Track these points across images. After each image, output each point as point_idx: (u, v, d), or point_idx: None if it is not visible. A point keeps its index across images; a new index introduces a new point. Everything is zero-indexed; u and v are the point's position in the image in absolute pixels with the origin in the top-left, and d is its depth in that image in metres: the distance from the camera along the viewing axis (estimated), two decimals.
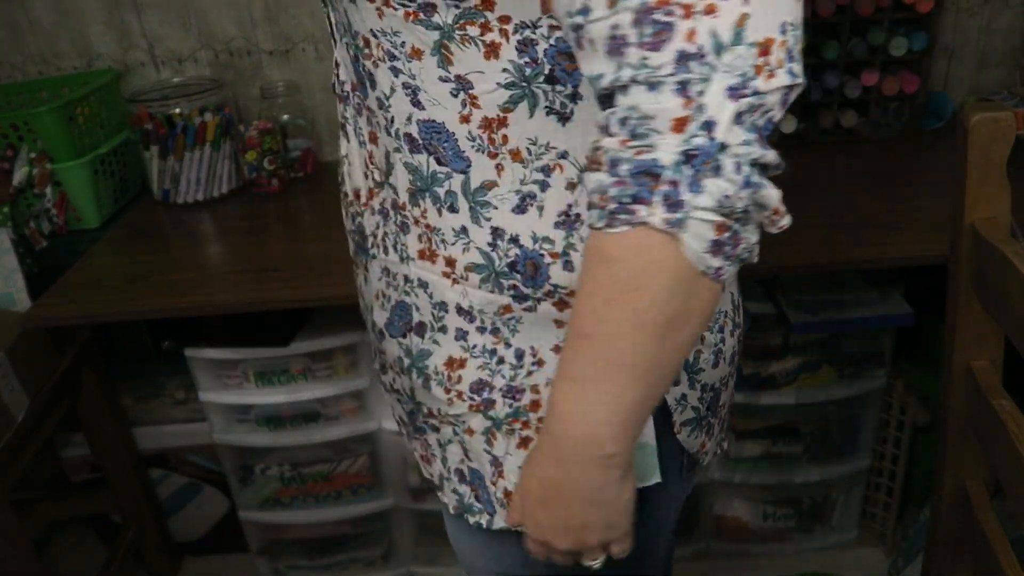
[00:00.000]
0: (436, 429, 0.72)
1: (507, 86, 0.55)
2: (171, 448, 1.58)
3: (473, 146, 0.58)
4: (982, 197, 0.74)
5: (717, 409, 0.74)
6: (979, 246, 0.74)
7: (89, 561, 1.63)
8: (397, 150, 0.62)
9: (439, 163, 0.60)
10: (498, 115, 0.56)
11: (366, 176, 0.67)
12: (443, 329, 0.66)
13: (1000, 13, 1.51)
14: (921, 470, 1.50)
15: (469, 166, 0.59)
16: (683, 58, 0.43)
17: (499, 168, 0.58)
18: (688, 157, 0.44)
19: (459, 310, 0.64)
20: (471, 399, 0.67)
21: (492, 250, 0.61)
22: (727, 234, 0.46)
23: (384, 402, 1.37)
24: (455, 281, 0.63)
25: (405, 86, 0.58)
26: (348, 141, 0.69)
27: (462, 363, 0.66)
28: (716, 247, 0.46)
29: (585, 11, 0.46)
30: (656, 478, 0.69)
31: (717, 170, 0.44)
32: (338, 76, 0.67)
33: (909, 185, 1.34)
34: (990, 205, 0.75)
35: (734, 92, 0.43)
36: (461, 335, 0.65)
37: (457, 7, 0.53)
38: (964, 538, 0.86)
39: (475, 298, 0.63)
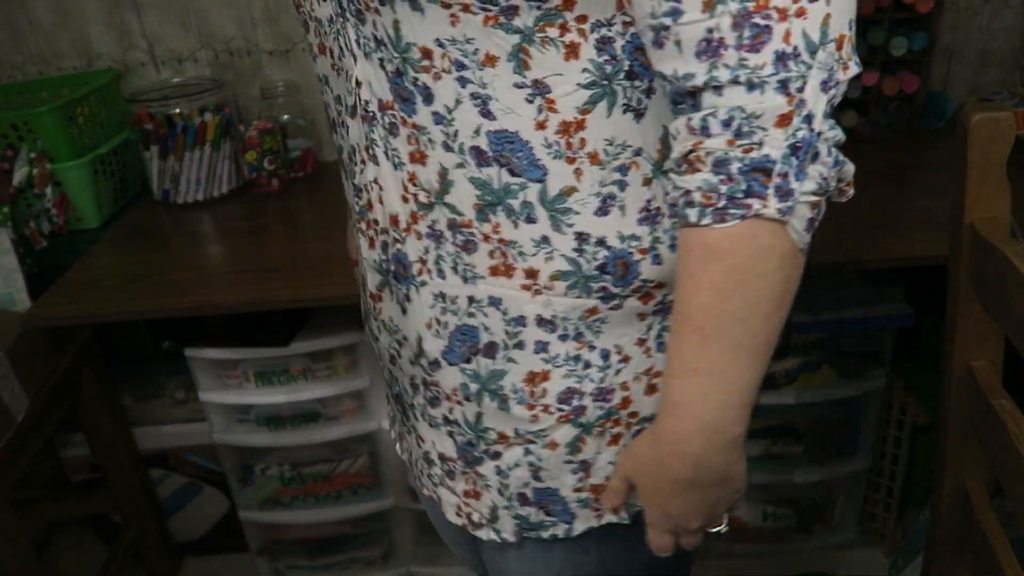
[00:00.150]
0: (497, 456, 0.69)
1: (587, 86, 0.55)
2: (171, 448, 1.58)
3: (550, 153, 0.57)
4: (982, 197, 0.74)
5: None
6: (979, 246, 0.74)
7: (89, 561, 1.63)
8: (460, 165, 0.58)
9: (512, 174, 0.58)
10: (576, 118, 0.56)
11: (405, 200, 0.62)
12: (520, 345, 0.63)
13: (1000, 13, 1.51)
14: (921, 470, 1.50)
15: (546, 174, 0.58)
16: (781, 58, 0.47)
17: (578, 173, 0.58)
18: (794, 149, 0.49)
19: (539, 321, 0.62)
20: (560, 410, 0.65)
21: (579, 255, 0.60)
22: (817, 210, 0.52)
23: (384, 401, 1.37)
24: (537, 292, 0.61)
25: (474, 96, 0.56)
26: (377, 165, 0.63)
27: (545, 376, 0.64)
28: (810, 224, 0.52)
29: (675, 13, 0.48)
30: None
31: (815, 156, 0.50)
32: (359, 96, 0.61)
33: (909, 185, 1.34)
34: (990, 205, 0.75)
35: (825, 85, 0.49)
36: (541, 347, 0.63)
37: (539, 8, 0.52)
38: (964, 538, 0.86)
39: (559, 306, 0.62)
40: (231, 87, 1.60)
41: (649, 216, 0.60)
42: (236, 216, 1.49)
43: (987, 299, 0.76)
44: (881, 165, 1.42)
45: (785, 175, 0.49)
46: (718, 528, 0.67)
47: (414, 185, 0.61)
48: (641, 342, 0.64)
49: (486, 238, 0.60)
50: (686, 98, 0.51)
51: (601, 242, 0.60)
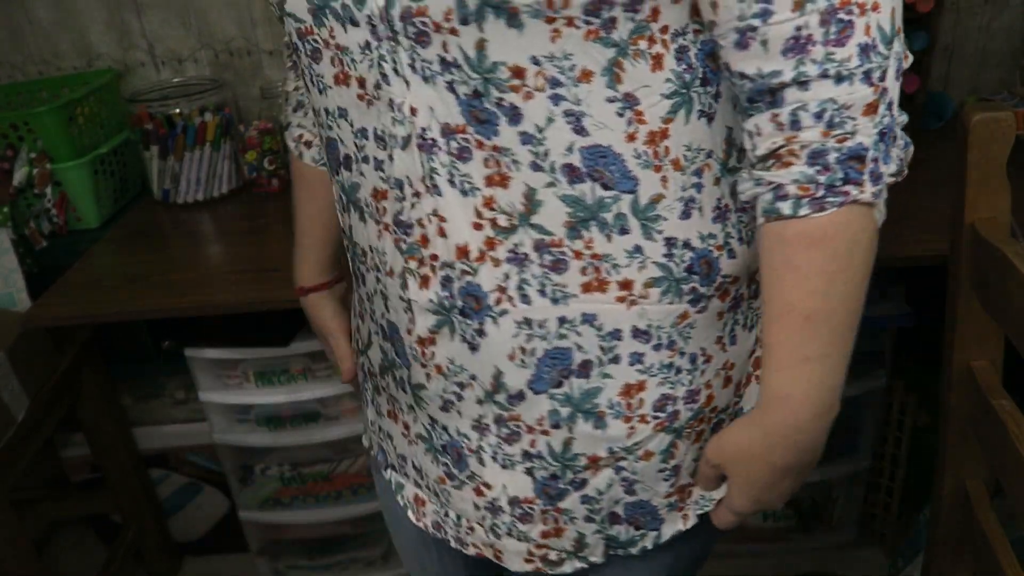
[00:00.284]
0: (583, 485, 0.68)
1: (669, 96, 0.57)
2: (171, 448, 1.58)
3: (640, 163, 0.58)
4: (982, 197, 0.74)
5: None
6: (979, 246, 0.74)
7: (89, 561, 1.63)
8: (551, 184, 0.57)
9: (605, 188, 0.58)
10: (660, 127, 0.57)
11: (478, 227, 0.59)
12: (615, 359, 0.63)
13: (1000, 13, 1.51)
14: (921, 470, 1.50)
15: (637, 184, 0.58)
16: (864, 50, 0.51)
17: (664, 180, 0.59)
18: (881, 136, 0.53)
19: (635, 332, 0.62)
20: (655, 418, 0.66)
21: (668, 260, 0.61)
22: (887, 188, 0.56)
23: None
24: (632, 303, 0.61)
25: (567, 113, 0.55)
26: (439, 195, 0.59)
27: (641, 386, 0.64)
28: (884, 202, 0.56)
29: (765, 14, 0.51)
30: None
31: (895, 139, 0.54)
32: (414, 124, 0.58)
33: (909, 185, 1.33)
34: (990, 205, 0.75)
35: (897, 73, 0.53)
36: (636, 358, 0.63)
37: (632, 20, 0.53)
38: (964, 538, 0.86)
39: (653, 314, 0.62)
40: (231, 87, 1.60)
41: (720, 214, 0.62)
42: (236, 216, 1.49)
43: (987, 299, 0.76)
44: None
45: (876, 160, 0.53)
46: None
47: (491, 210, 0.59)
48: (719, 340, 0.66)
49: (578, 255, 0.59)
50: (764, 96, 0.54)
51: (686, 244, 0.61)
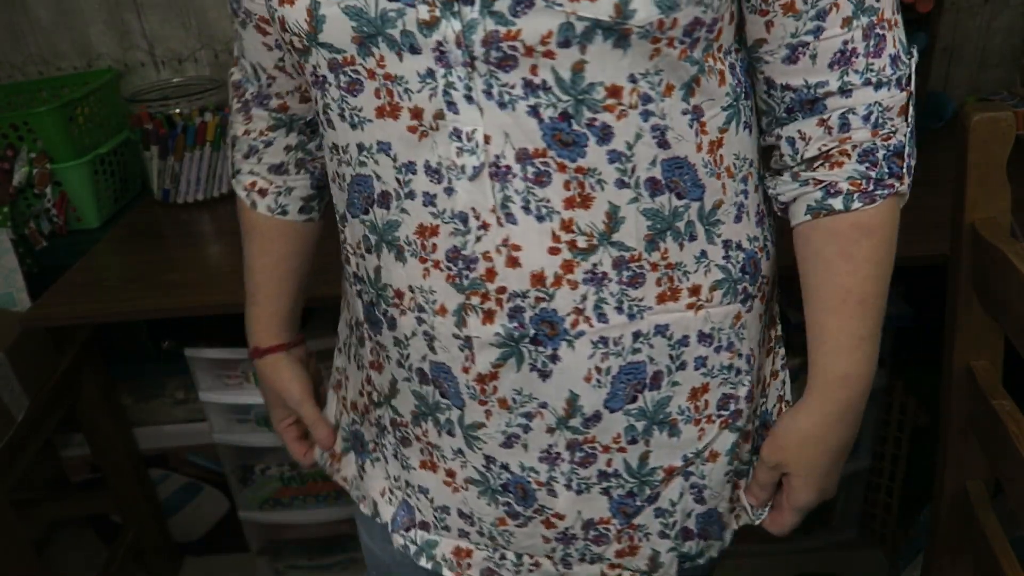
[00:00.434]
0: (656, 498, 0.69)
1: (725, 108, 0.60)
2: (171, 448, 1.58)
3: (706, 172, 0.60)
4: (982, 197, 0.74)
5: None
6: (979, 246, 0.74)
7: (89, 561, 1.63)
8: (635, 200, 0.58)
9: (679, 197, 0.59)
10: (717, 137, 0.60)
11: (554, 251, 0.58)
12: (682, 366, 0.64)
13: (1000, 13, 1.51)
14: (921, 470, 1.50)
15: (704, 192, 0.61)
16: (894, 60, 0.60)
17: (723, 187, 0.62)
18: (912, 133, 0.61)
19: (700, 337, 0.64)
20: (720, 416, 0.68)
21: (727, 261, 0.63)
22: None
23: None
24: (699, 308, 0.63)
25: (654, 128, 0.57)
26: (512, 224, 0.58)
27: (705, 388, 0.66)
28: None
29: (818, 31, 0.58)
30: None
31: (914, 133, 0.62)
32: (488, 152, 0.56)
33: None
34: (990, 205, 0.75)
35: (912, 78, 0.61)
36: (700, 362, 0.65)
37: (707, 39, 0.56)
38: (964, 538, 0.86)
39: (715, 316, 0.64)
40: None
41: (761, 218, 0.67)
42: (236, 216, 1.48)
43: (987, 299, 0.76)
44: None
45: (910, 155, 0.62)
46: None
47: (569, 232, 0.58)
48: (760, 341, 0.70)
49: (654, 267, 0.60)
50: (804, 106, 0.61)
51: (739, 246, 0.64)
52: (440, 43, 0.53)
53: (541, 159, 0.56)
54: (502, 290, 0.59)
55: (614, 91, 0.54)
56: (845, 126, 0.60)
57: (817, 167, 0.62)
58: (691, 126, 0.58)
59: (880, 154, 0.61)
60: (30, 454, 1.27)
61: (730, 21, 0.58)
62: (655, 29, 0.52)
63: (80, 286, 1.25)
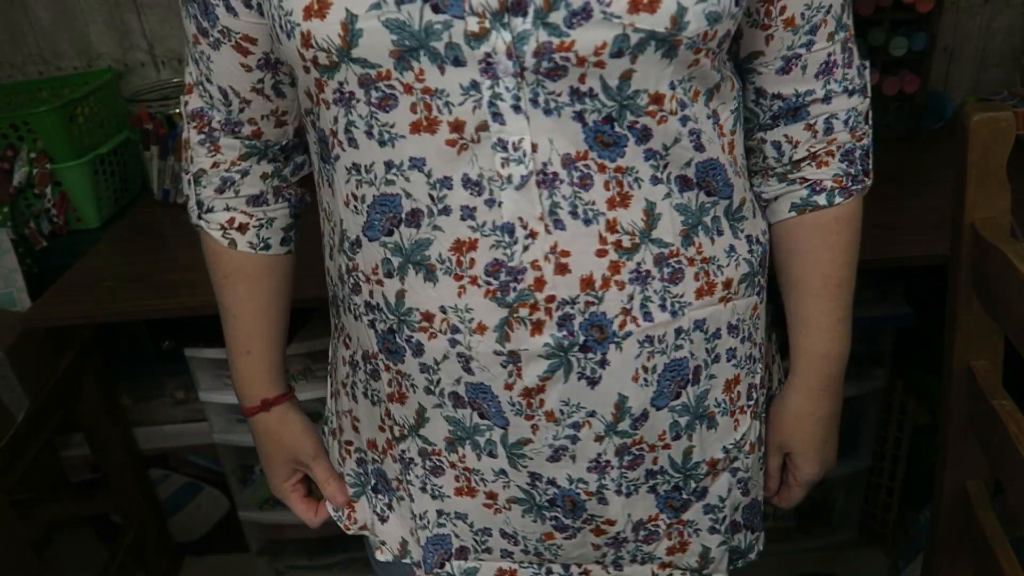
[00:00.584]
0: (704, 494, 0.71)
1: (733, 111, 0.64)
2: (171, 448, 1.58)
3: (732, 171, 0.64)
4: (982, 197, 0.74)
5: None
6: (979, 246, 0.74)
7: (89, 561, 1.63)
8: (667, 195, 0.59)
9: (708, 194, 0.62)
10: (731, 139, 0.64)
11: (602, 253, 0.59)
12: (716, 359, 0.67)
13: (1000, 13, 1.51)
14: (921, 470, 1.50)
15: (732, 190, 0.64)
16: (859, 70, 0.67)
17: (744, 185, 0.66)
18: (872, 134, 0.69)
19: (729, 328, 0.67)
20: (750, 405, 0.71)
21: (750, 255, 0.67)
22: None
23: None
24: (728, 300, 0.66)
25: (691, 133, 0.59)
26: (560, 230, 0.58)
27: (736, 379, 0.69)
28: None
29: (810, 44, 0.64)
30: None
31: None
32: (535, 161, 0.56)
33: (909, 185, 1.34)
34: (990, 205, 0.75)
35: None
36: (731, 354, 0.68)
37: (723, 50, 0.60)
38: (964, 538, 0.86)
39: (740, 308, 0.67)
40: None
41: (763, 213, 0.71)
42: None
43: (987, 299, 0.76)
44: (881, 165, 1.42)
45: (872, 155, 0.69)
46: None
47: (615, 232, 0.59)
48: (767, 331, 0.74)
49: (691, 261, 0.62)
50: (788, 113, 0.67)
51: (757, 240, 0.68)
52: (488, 55, 0.52)
53: (583, 162, 0.57)
54: (551, 299, 0.59)
55: (656, 98, 0.56)
56: (829, 129, 0.67)
57: (804, 167, 0.69)
58: (714, 129, 0.62)
59: (857, 154, 0.68)
60: (30, 454, 1.27)
61: (735, 36, 0.63)
62: (699, 40, 0.55)
63: (80, 286, 1.25)
